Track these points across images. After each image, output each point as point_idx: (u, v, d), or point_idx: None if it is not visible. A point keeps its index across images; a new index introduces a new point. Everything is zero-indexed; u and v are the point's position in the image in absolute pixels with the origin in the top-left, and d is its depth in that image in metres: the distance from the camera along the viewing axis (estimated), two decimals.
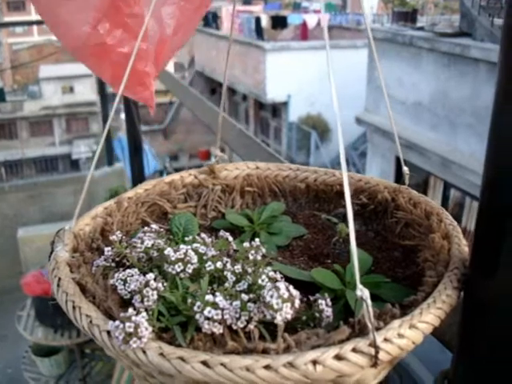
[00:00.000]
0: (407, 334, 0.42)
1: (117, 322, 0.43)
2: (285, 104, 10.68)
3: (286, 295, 0.43)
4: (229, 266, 0.50)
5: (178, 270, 0.49)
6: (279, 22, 11.93)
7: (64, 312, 0.49)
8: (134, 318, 0.43)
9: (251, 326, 0.43)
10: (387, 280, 0.56)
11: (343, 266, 0.57)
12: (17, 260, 4.79)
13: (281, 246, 0.68)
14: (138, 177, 2.93)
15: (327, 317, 0.46)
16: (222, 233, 0.61)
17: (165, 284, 0.48)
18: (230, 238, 0.59)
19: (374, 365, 0.40)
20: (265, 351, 0.41)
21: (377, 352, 0.40)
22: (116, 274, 0.50)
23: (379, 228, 0.71)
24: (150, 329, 0.43)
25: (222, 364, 0.40)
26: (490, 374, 0.48)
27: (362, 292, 0.41)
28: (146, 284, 0.47)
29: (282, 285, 0.44)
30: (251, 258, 0.52)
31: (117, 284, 0.49)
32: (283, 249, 0.68)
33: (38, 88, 17.87)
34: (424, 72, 5.86)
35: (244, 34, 11.62)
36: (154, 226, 0.60)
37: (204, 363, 0.40)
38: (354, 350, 0.40)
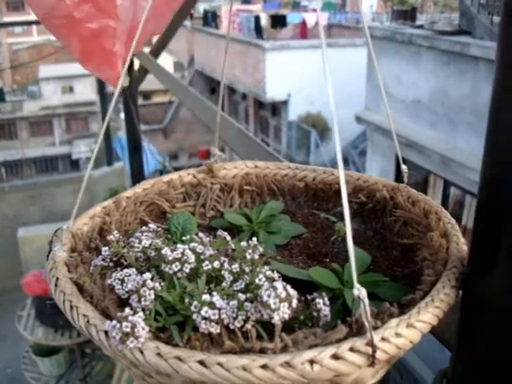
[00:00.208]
0: (405, 333, 0.42)
1: (114, 322, 0.43)
2: (284, 103, 10.66)
3: (283, 295, 0.43)
4: (226, 265, 0.50)
5: (175, 269, 0.49)
6: (278, 21, 11.91)
7: None
8: (130, 317, 0.42)
9: (248, 326, 0.43)
10: (385, 279, 0.56)
11: (342, 265, 0.57)
12: (17, 260, 4.79)
13: (279, 245, 0.68)
14: (138, 176, 2.94)
15: (325, 316, 0.46)
16: (219, 232, 0.61)
17: (162, 284, 0.48)
18: (228, 238, 0.59)
19: (372, 364, 0.40)
20: (262, 351, 0.41)
21: (374, 351, 0.40)
22: (113, 274, 0.50)
23: (378, 227, 0.71)
24: (147, 328, 0.43)
25: (218, 364, 0.40)
26: (488, 373, 0.48)
27: (359, 291, 0.41)
28: (143, 284, 0.46)
29: (279, 284, 0.43)
30: (249, 257, 0.51)
31: (114, 284, 0.49)
32: (282, 248, 0.68)
33: (38, 88, 17.84)
34: (423, 70, 5.86)
35: (243, 33, 11.61)
36: (152, 226, 0.59)
37: (201, 363, 0.40)
38: (351, 349, 0.40)
